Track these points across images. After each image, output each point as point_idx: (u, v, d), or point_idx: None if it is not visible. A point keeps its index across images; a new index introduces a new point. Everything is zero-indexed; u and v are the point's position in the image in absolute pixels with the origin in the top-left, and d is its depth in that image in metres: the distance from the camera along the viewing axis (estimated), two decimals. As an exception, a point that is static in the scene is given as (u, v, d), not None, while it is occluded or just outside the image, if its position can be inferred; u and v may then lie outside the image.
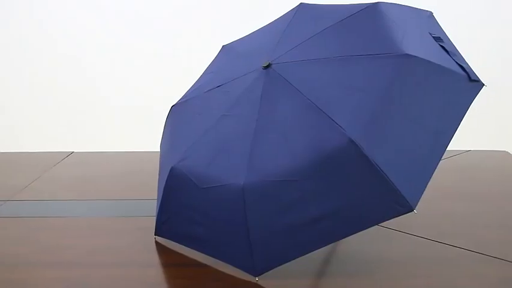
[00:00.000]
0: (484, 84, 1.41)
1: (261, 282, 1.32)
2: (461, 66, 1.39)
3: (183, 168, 1.39)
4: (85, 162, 2.33)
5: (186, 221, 1.43)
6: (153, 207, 1.56)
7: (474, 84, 1.39)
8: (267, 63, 1.41)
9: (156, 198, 1.55)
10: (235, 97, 1.43)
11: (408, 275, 1.38)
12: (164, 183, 1.44)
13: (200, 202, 1.38)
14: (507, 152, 2.36)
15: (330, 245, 1.39)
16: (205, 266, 1.42)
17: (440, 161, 1.31)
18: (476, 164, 2.24)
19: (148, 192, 1.75)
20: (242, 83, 1.45)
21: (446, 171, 1.73)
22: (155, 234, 1.54)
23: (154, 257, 1.50)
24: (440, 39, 1.44)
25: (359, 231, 1.29)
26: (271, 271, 1.32)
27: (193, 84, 1.65)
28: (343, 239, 1.37)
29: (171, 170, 1.41)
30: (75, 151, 2.48)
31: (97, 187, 2.02)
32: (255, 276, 1.33)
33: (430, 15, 1.52)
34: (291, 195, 1.28)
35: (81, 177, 2.13)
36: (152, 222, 1.54)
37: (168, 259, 1.48)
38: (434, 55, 1.37)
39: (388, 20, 1.38)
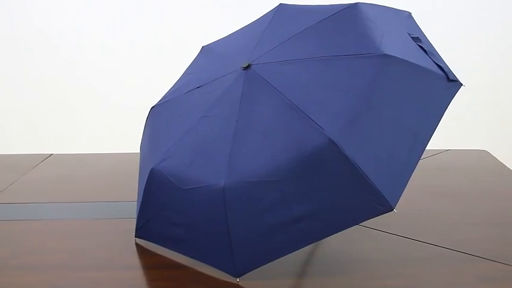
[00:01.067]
0: (462, 84, 1.43)
1: (242, 283, 1.32)
2: (440, 66, 1.41)
3: (163, 169, 1.39)
4: (64, 165, 2.30)
5: (166, 223, 1.42)
6: (133, 209, 1.55)
7: (452, 84, 1.41)
8: (247, 64, 1.41)
9: (136, 200, 1.54)
10: (215, 98, 1.43)
11: (389, 274, 1.39)
12: (144, 184, 1.43)
13: (180, 203, 1.37)
14: (486, 151, 2.38)
15: (310, 245, 1.39)
16: (186, 267, 1.41)
17: (420, 160, 1.32)
18: (456, 163, 2.26)
19: (128, 193, 1.74)
20: (222, 83, 1.44)
21: (425, 171, 1.75)
22: (135, 236, 1.53)
23: (135, 259, 1.49)
24: (418, 39, 1.45)
25: (340, 231, 1.29)
26: (252, 272, 1.32)
27: (173, 85, 1.64)
28: (324, 239, 1.37)
29: (151, 171, 1.40)
30: (56, 153, 2.46)
31: (76, 189, 2.00)
32: (236, 277, 1.32)
33: (408, 15, 1.54)
34: (271, 196, 1.28)
35: (60, 180, 2.11)
36: (133, 224, 1.53)
37: (149, 261, 1.47)
38: (413, 55, 1.38)
39: (367, 20, 1.39)
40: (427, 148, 1.34)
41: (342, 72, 1.33)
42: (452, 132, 2.95)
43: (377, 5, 1.47)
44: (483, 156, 2.33)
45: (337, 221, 1.29)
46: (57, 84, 3.90)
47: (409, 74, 1.34)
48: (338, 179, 1.25)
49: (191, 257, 1.41)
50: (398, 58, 1.32)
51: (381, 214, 1.26)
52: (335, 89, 1.30)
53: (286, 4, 1.58)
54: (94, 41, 3.89)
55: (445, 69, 1.41)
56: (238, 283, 1.32)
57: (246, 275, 1.32)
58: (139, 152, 1.60)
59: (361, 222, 1.31)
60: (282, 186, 1.27)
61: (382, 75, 1.30)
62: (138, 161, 1.58)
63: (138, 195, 1.52)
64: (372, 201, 1.25)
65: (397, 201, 1.26)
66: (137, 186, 1.54)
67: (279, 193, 1.27)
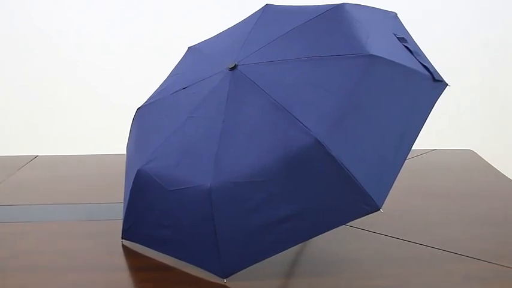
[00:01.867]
0: (447, 84, 1.43)
1: (229, 284, 1.32)
2: (425, 67, 1.41)
3: (149, 170, 1.38)
4: (50, 166, 2.29)
5: (153, 224, 1.41)
6: (120, 211, 1.54)
7: (438, 84, 1.41)
8: (233, 65, 1.41)
9: (122, 201, 1.53)
10: (202, 98, 1.43)
11: (376, 274, 1.39)
12: (130, 185, 1.42)
13: (167, 204, 1.37)
14: (472, 150, 2.40)
15: (298, 245, 1.39)
16: (172, 269, 1.41)
17: (406, 160, 1.32)
18: (442, 163, 2.27)
19: (115, 195, 1.73)
20: (208, 84, 1.44)
21: (412, 171, 1.75)
22: (122, 238, 1.52)
23: (121, 261, 1.48)
24: (404, 40, 1.45)
25: (327, 231, 1.29)
26: (239, 272, 1.32)
27: (159, 86, 1.64)
28: (311, 239, 1.37)
29: (138, 172, 1.39)
30: (41, 154, 2.44)
31: (63, 191, 1.99)
32: (223, 278, 1.32)
33: (394, 16, 1.54)
34: (258, 196, 1.27)
35: (46, 181, 2.09)
36: (119, 226, 1.52)
37: (135, 262, 1.46)
38: (398, 55, 1.38)
39: (353, 21, 1.39)
40: (413, 148, 1.35)
41: (328, 72, 1.33)
42: (437, 132, 2.96)
43: (363, 5, 1.48)
44: (469, 156, 2.35)
45: (324, 221, 1.29)
46: (57, 84, 3.86)
47: (395, 74, 1.35)
48: (324, 179, 1.25)
49: (178, 258, 1.40)
50: (384, 58, 1.32)
51: (367, 214, 1.26)
52: (321, 89, 1.31)
53: (273, 5, 1.58)
54: (94, 41, 3.86)
55: (430, 69, 1.41)
56: (226, 284, 1.32)
57: (233, 275, 1.32)
58: (125, 153, 1.59)
59: (348, 222, 1.32)
60: (269, 186, 1.27)
61: (368, 76, 1.30)
62: (125, 161, 1.57)
63: (124, 197, 1.51)
64: (359, 201, 1.25)
65: (384, 201, 1.26)
66: (123, 187, 1.54)
67: (266, 193, 1.27)
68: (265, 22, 1.53)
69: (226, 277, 1.32)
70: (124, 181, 1.54)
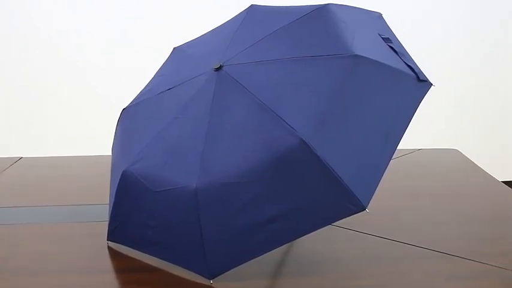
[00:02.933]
0: (432, 84, 1.43)
1: (215, 285, 1.32)
2: (410, 67, 1.41)
3: (134, 171, 1.38)
4: (34, 168, 2.27)
5: (138, 225, 1.41)
6: (105, 212, 1.54)
7: (423, 84, 1.41)
8: (219, 65, 1.41)
9: (108, 202, 1.53)
10: (187, 99, 1.43)
11: (362, 274, 1.39)
12: (116, 187, 1.42)
13: (153, 206, 1.37)
14: (457, 150, 2.39)
15: (284, 245, 1.39)
16: (159, 270, 1.41)
17: (392, 160, 1.32)
18: (427, 163, 2.27)
19: (100, 196, 1.72)
20: (193, 85, 1.44)
21: (397, 171, 1.75)
22: (107, 240, 1.52)
23: (107, 263, 1.48)
24: (389, 40, 1.45)
25: (313, 231, 1.30)
26: (225, 273, 1.32)
27: (144, 87, 1.64)
28: (297, 239, 1.37)
29: (123, 173, 1.39)
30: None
31: (47, 193, 1.98)
32: (210, 279, 1.32)
33: (379, 16, 1.54)
34: (244, 197, 1.28)
35: (30, 183, 2.09)
36: (105, 228, 1.52)
37: (121, 264, 1.46)
38: (383, 56, 1.38)
39: (338, 21, 1.39)
40: (398, 148, 1.35)
41: (313, 72, 1.33)
42: (422, 132, 2.95)
43: (347, 6, 1.48)
44: (454, 155, 2.34)
45: (310, 221, 1.29)
46: (57, 84, 3.86)
47: (380, 74, 1.35)
48: (310, 179, 1.26)
49: (164, 260, 1.40)
50: (369, 59, 1.32)
51: (353, 214, 1.26)
52: (306, 89, 1.31)
53: (258, 5, 1.58)
54: (94, 41, 3.85)
55: (415, 69, 1.41)
56: (212, 285, 1.32)
57: (220, 276, 1.32)
58: (110, 154, 1.59)
59: (333, 222, 1.32)
60: (255, 187, 1.27)
61: (353, 76, 1.30)
62: (110, 163, 1.56)
63: (109, 198, 1.51)
64: (344, 201, 1.25)
65: (369, 200, 1.26)
66: (109, 188, 1.54)
67: (252, 194, 1.27)
68: (250, 22, 1.53)
69: (212, 278, 1.32)
70: (110, 182, 1.54)
